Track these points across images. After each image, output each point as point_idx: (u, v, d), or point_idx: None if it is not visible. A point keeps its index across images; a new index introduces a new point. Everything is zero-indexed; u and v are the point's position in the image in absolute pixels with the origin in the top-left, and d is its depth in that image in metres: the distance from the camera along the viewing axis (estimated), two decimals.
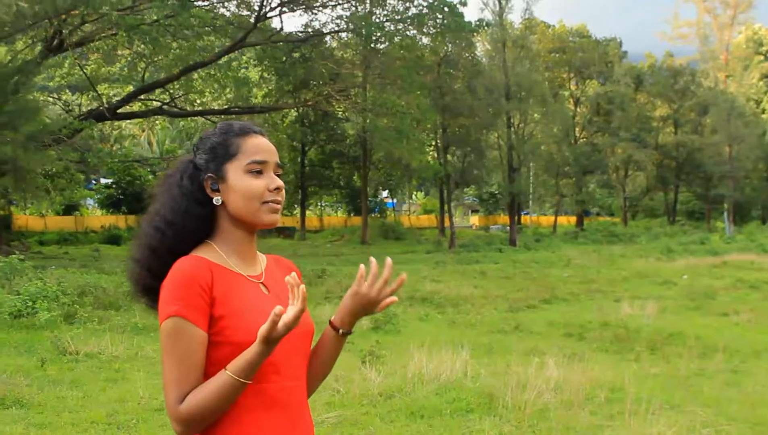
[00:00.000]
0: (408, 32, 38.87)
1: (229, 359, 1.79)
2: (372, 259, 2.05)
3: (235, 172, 1.96)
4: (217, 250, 1.97)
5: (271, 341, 1.72)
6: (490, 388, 7.72)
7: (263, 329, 1.69)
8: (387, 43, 38.64)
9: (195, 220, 1.97)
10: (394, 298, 2.10)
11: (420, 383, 8.05)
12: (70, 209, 53.31)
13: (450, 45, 45.49)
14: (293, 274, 1.76)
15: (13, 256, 16.29)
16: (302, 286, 1.73)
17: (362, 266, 2.06)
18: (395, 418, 6.91)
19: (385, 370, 8.70)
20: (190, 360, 1.80)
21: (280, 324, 1.69)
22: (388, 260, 2.06)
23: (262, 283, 1.99)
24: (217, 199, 1.97)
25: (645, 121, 63.40)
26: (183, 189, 1.98)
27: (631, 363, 10.71)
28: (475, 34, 42.56)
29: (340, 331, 2.12)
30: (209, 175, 1.98)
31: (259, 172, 1.97)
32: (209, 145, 2.01)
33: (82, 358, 9.31)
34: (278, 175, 2.01)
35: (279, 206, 1.99)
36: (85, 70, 37.44)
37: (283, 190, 2.01)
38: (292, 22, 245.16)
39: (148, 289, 1.96)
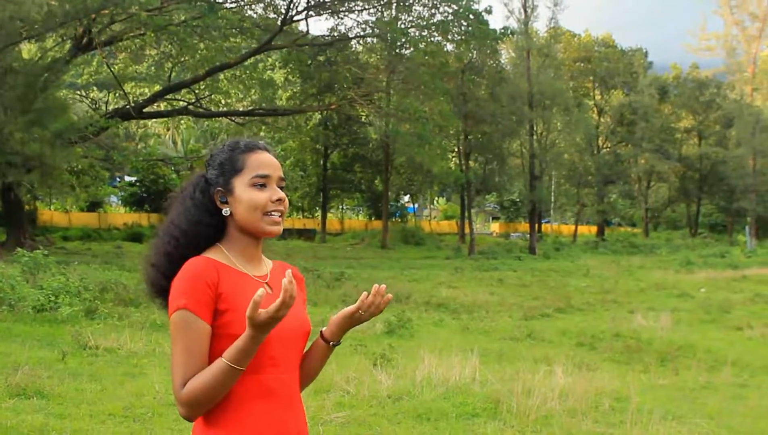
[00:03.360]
0: (433, 38, 39.03)
1: None
2: (377, 286, 2.27)
3: (241, 186, 2.17)
4: (225, 253, 2.19)
5: (256, 326, 1.89)
6: (497, 394, 7.89)
7: (247, 311, 1.87)
8: (411, 49, 38.81)
9: (206, 229, 2.19)
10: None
11: (428, 387, 8.23)
12: (94, 206, 53.89)
13: (474, 52, 45.62)
14: (288, 271, 1.93)
15: (38, 251, 16.60)
16: (285, 281, 1.88)
17: (365, 293, 2.27)
18: (402, 420, 7.09)
19: (395, 373, 8.89)
20: (195, 349, 2.01)
21: (263, 312, 1.87)
22: (382, 287, 2.26)
23: (266, 283, 2.18)
24: (225, 211, 2.19)
25: (669, 132, 63.22)
26: (195, 201, 2.21)
27: (639, 374, 10.83)
28: (499, 41, 42.64)
29: (331, 343, 2.32)
30: (218, 188, 2.20)
31: (263, 186, 2.18)
32: (218, 161, 2.23)
33: (101, 352, 9.55)
34: (281, 188, 2.22)
35: (281, 217, 2.20)
36: (112, 69, 37.94)
37: (286, 202, 2.21)
38: (318, 26, 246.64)
39: (163, 290, 2.17)
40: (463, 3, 36.36)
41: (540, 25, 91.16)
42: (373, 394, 7.83)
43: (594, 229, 69.26)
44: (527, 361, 10.98)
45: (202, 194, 2.22)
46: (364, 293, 2.28)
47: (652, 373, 10.83)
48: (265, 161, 2.21)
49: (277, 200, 2.18)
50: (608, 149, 63.68)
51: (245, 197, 2.16)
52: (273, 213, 2.18)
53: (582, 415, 7.42)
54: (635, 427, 7.00)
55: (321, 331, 2.33)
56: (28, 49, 34.67)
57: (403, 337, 13.24)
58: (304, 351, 2.31)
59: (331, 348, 2.34)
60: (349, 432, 6.61)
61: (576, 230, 63.58)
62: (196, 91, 39.08)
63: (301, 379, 2.31)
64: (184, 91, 38.72)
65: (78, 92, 43.80)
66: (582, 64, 63.15)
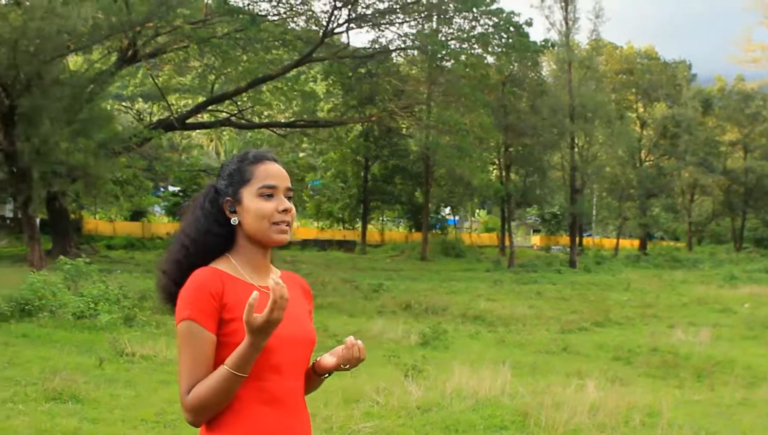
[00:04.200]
0: (473, 51, 39.03)
1: None
2: (348, 339, 2.35)
3: (249, 196, 2.24)
4: (233, 262, 2.26)
5: (254, 331, 1.96)
6: (526, 407, 7.88)
7: (243, 316, 1.95)
8: (452, 61, 38.81)
9: (215, 238, 2.27)
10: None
11: (458, 399, 8.25)
12: (137, 215, 54.60)
13: (515, 64, 45.53)
14: (273, 277, 1.98)
15: (80, 259, 16.92)
16: (272, 283, 1.94)
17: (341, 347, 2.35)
18: (430, 431, 7.13)
19: (425, 385, 8.92)
20: (200, 358, 2.09)
21: (258, 316, 1.94)
22: (350, 340, 2.34)
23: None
24: (234, 220, 2.26)
25: (713, 145, 62.32)
26: (205, 211, 2.29)
27: (673, 389, 10.73)
28: (540, 54, 42.51)
29: (323, 376, 2.41)
30: (227, 198, 2.27)
31: (270, 196, 2.24)
32: (228, 171, 2.31)
33: (137, 359, 9.74)
34: (288, 199, 2.29)
35: (287, 227, 2.26)
36: (156, 81, 38.54)
37: (293, 212, 2.28)
38: (359, 38, 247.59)
39: (172, 297, 2.24)
40: (504, 15, 36.30)
41: (581, 37, 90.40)
42: (402, 405, 7.88)
43: (636, 242, 68.49)
44: (560, 374, 10.94)
45: (212, 204, 2.29)
46: (341, 347, 2.35)
47: (687, 389, 10.72)
48: (272, 172, 2.28)
49: (284, 211, 2.24)
50: (651, 162, 62.93)
51: (253, 207, 2.23)
52: (280, 223, 2.24)
53: (611, 430, 7.39)
54: None
55: (314, 364, 2.39)
56: (74, 61, 35.35)
57: (437, 349, 13.25)
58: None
59: (323, 379, 2.43)
60: None
61: (617, 244, 62.90)
62: (239, 103, 39.51)
63: None
64: (226, 102, 39.17)
65: (123, 103, 44.59)
66: (624, 77, 62.54)
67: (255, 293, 1.95)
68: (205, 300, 2.11)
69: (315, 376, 2.40)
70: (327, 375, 2.40)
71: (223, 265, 2.24)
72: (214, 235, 2.27)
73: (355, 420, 7.16)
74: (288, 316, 2.02)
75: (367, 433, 6.86)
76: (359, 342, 2.34)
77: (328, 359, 2.36)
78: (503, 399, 8.39)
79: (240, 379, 2.05)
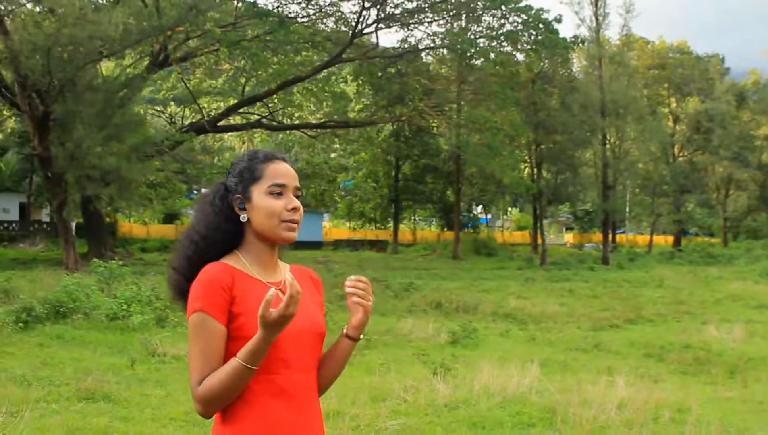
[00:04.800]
0: (502, 49, 38.91)
1: None
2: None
3: (258, 194, 2.29)
4: (242, 259, 2.31)
5: (267, 325, 2.01)
6: (554, 404, 7.88)
7: (259, 310, 2.00)
8: (482, 60, 38.73)
9: (224, 235, 2.32)
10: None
11: (486, 396, 8.26)
12: (171, 218, 55.14)
13: (545, 61, 45.34)
14: (289, 275, 2.06)
15: (113, 261, 17.16)
16: (289, 278, 2.01)
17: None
18: (456, 428, 7.15)
19: (454, 383, 8.94)
20: (211, 349, 2.14)
21: (274, 311, 1.99)
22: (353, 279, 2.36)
23: (279, 289, 2.25)
24: (243, 217, 2.31)
25: (747, 139, 61.55)
26: (215, 207, 2.34)
27: (704, 386, 10.65)
28: (570, 50, 42.26)
29: (358, 337, 2.41)
30: (237, 195, 2.32)
31: (280, 194, 2.29)
32: (238, 169, 2.36)
33: (169, 359, 9.87)
34: (297, 197, 2.34)
35: (296, 225, 2.31)
36: (188, 84, 38.90)
37: (301, 210, 2.33)
38: (389, 38, 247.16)
39: (183, 293, 2.29)
40: (533, 13, 36.12)
41: (612, 33, 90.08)
42: (429, 403, 7.91)
43: (670, 239, 67.84)
44: (590, 372, 10.90)
45: (222, 201, 2.34)
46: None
47: (718, 386, 10.63)
48: (282, 171, 2.33)
49: (293, 209, 2.29)
50: (684, 157, 62.30)
51: (263, 205, 2.27)
52: (289, 220, 2.29)
53: (639, 426, 7.34)
54: None
55: (343, 330, 2.41)
56: (107, 67, 35.80)
57: (467, 347, 13.26)
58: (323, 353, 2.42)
59: (353, 343, 2.42)
60: None
61: (651, 240, 62.30)
62: (270, 105, 39.80)
63: (322, 379, 2.40)
64: (258, 104, 39.45)
65: (156, 107, 45.07)
66: (656, 72, 61.96)
67: (272, 290, 2.01)
68: (216, 293, 2.16)
69: (348, 343, 2.40)
70: (361, 334, 2.41)
71: (232, 262, 2.29)
72: (224, 232, 2.31)
73: (383, 418, 7.20)
74: (297, 309, 2.06)
75: (394, 431, 6.90)
76: (352, 278, 2.36)
77: (353, 320, 2.37)
78: (531, 396, 8.39)
79: (251, 372, 2.10)
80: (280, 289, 2.23)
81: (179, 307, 2.36)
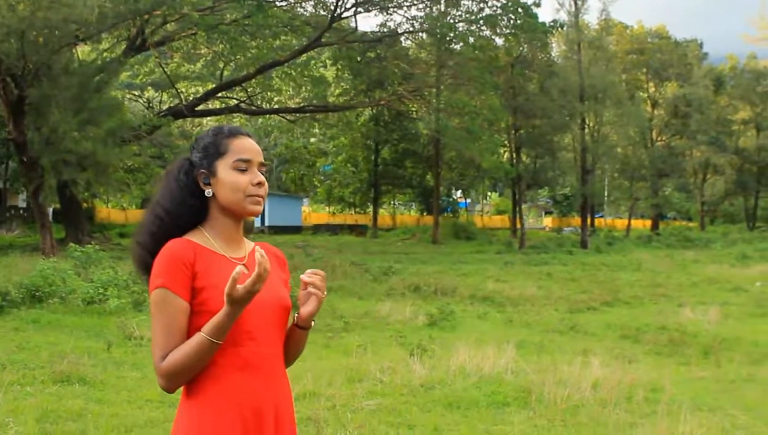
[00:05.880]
0: (482, 33, 38.89)
1: None
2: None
3: (223, 169, 2.29)
4: (206, 235, 2.31)
5: (233, 301, 2.04)
6: (529, 384, 7.94)
7: (226, 288, 2.02)
8: (461, 44, 38.69)
9: (189, 209, 2.32)
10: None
11: (461, 376, 8.32)
12: (148, 203, 54.84)
13: (524, 46, 45.40)
14: (261, 251, 2.06)
15: (89, 246, 17.07)
16: (258, 256, 2.03)
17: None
18: (432, 408, 7.20)
19: (430, 364, 8.99)
20: (173, 325, 2.15)
21: (240, 287, 2.01)
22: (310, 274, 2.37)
23: (243, 264, 2.25)
24: (208, 192, 2.31)
25: (725, 124, 62.03)
26: (180, 182, 2.34)
27: (679, 366, 10.76)
28: (549, 35, 42.31)
29: (310, 323, 2.42)
30: (202, 170, 2.32)
31: (245, 170, 2.29)
32: (203, 144, 2.36)
33: (145, 342, 9.85)
34: (261, 173, 2.34)
35: (261, 199, 2.31)
36: (166, 69, 38.61)
37: (266, 185, 2.33)
38: (368, 22, 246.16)
39: (148, 267, 2.29)
40: None
41: (591, 18, 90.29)
42: (405, 383, 7.96)
43: (648, 223, 68.32)
44: (566, 353, 10.97)
45: (186, 176, 2.34)
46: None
47: (692, 366, 10.74)
48: (247, 146, 2.33)
49: (258, 184, 2.30)
50: (662, 142, 62.63)
51: (228, 179, 2.28)
52: (254, 195, 2.29)
53: (613, 406, 7.43)
54: (667, 417, 6.97)
55: (294, 320, 2.42)
56: (83, 51, 35.45)
57: (444, 329, 13.32)
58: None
59: (306, 332, 2.44)
60: (379, 419, 6.72)
61: (629, 224, 62.70)
62: (248, 89, 39.61)
63: (286, 356, 2.41)
64: (236, 89, 39.27)
65: (134, 92, 44.70)
66: (635, 56, 62.17)
67: (239, 267, 2.02)
68: (178, 269, 2.17)
69: (300, 332, 2.42)
70: (313, 322, 2.42)
71: (196, 237, 2.29)
72: (188, 207, 2.32)
73: (358, 398, 7.24)
74: (263, 285, 2.07)
75: (369, 411, 6.94)
76: (310, 271, 2.38)
77: (303, 309, 2.38)
78: (507, 376, 8.45)
79: (216, 346, 2.11)
80: (244, 265, 2.23)
81: (142, 282, 2.37)
